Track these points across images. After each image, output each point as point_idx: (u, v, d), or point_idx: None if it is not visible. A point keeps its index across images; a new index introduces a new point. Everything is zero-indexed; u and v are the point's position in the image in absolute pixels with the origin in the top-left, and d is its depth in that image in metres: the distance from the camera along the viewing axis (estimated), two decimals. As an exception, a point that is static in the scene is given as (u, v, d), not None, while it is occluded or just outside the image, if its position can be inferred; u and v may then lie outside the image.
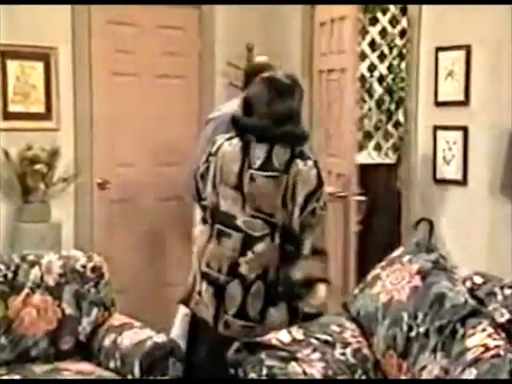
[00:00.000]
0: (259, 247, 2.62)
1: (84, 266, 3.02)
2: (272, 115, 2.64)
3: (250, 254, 2.63)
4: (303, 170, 2.62)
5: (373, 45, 5.49)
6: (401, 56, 5.46)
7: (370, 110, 5.53)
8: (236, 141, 2.71)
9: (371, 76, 5.51)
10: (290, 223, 2.63)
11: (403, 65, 5.33)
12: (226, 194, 2.68)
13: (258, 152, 2.65)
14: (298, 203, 2.61)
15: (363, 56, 5.44)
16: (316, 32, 4.19)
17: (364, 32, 5.41)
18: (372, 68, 5.51)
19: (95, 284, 3.01)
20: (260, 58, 3.86)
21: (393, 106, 5.58)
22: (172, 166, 4.26)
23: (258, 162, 2.64)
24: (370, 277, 2.72)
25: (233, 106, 3.27)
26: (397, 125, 5.57)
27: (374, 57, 5.50)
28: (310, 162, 2.65)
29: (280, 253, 2.64)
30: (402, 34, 5.38)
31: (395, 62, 5.54)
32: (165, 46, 4.27)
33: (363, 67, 5.45)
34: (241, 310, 2.62)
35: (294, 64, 4.32)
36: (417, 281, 2.54)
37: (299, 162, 2.63)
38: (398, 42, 5.51)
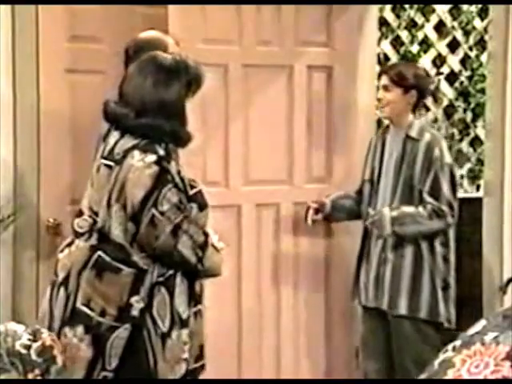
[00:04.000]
0: (73, 246, 3.15)
1: (27, 347, 3.03)
2: (136, 104, 3.12)
3: (65, 251, 3.18)
4: (136, 165, 3.02)
5: (441, 28, 5.57)
6: (481, 44, 5.54)
7: (435, 121, 5.59)
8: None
9: (438, 73, 5.59)
10: (109, 228, 3.07)
11: (484, 57, 5.40)
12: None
13: (111, 140, 3.16)
14: (128, 208, 3.04)
15: (427, 44, 5.52)
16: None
17: (429, 11, 5.50)
18: (439, 61, 5.59)
19: (43, 373, 3.03)
20: (148, 33, 3.93)
21: (469, 116, 5.64)
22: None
23: (106, 150, 3.16)
24: (437, 363, 2.75)
25: None
26: (475, 143, 5.62)
27: (442, 45, 5.58)
28: (150, 158, 3.01)
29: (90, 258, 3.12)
30: (483, 12, 5.47)
31: (473, 54, 5.61)
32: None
33: (426, 60, 5.53)
34: None
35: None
36: (506, 371, 2.56)
37: (136, 155, 3.03)
38: (478, 23, 5.59)
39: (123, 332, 3.08)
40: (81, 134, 4.24)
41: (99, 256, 3.10)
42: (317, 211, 4.27)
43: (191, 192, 3.12)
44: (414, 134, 4.04)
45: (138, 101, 3.10)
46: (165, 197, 3.01)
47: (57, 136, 4.20)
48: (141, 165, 3.01)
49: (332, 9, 4.52)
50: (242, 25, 4.33)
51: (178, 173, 3.09)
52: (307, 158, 4.49)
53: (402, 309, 3.99)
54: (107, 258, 3.10)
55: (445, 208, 3.93)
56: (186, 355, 3.15)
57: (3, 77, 4.05)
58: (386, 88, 4.06)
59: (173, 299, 3.10)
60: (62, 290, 3.18)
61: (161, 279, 3.10)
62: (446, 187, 3.95)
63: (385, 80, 4.08)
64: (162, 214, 3.01)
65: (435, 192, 3.94)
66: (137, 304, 3.08)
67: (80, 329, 3.13)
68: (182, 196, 3.06)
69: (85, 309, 3.12)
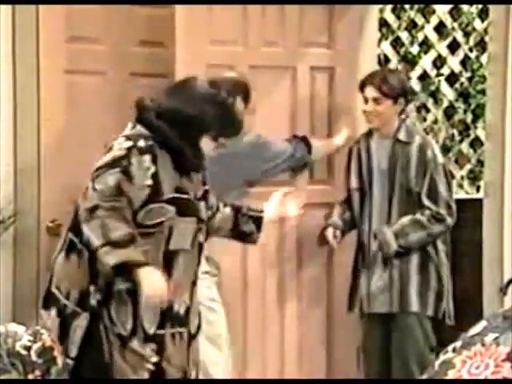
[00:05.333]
0: None
1: (28, 348, 3.03)
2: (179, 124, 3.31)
3: None
4: (113, 146, 3.28)
5: (441, 29, 5.57)
6: (481, 45, 5.54)
7: (435, 122, 5.59)
8: None
9: (438, 74, 5.59)
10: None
11: (484, 58, 5.40)
12: None
13: None
14: None
15: (427, 46, 5.52)
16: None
17: (429, 11, 5.50)
18: (439, 62, 5.59)
19: (43, 373, 3.03)
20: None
21: (469, 117, 5.64)
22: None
23: None
24: (437, 364, 2.75)
25: None
26: (475, 144, 5.62)
27: (442, 46, 5.59)
28: (126, 144, 3.21)
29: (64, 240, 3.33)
30: (483, 13, 5.47)
31: (473, 55, 5.61)
32: (138, 34, 4.37)
33: (426, 61, 5.53)
34: None
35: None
36: (506, 372, 2.56)
37: (120, 140, 3.30)
38: (478, 24, 5.59)
39: (83, 320, 3.19)
40: (81, 134, 4.24)
41: (69, 238, 3.23)
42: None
43: (169, 195, 3.20)
44: (403, 137, 4.07)
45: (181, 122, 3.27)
46: (104, 177, 3.12)
47: (57, 137, 4.21)
48: (116, 147, 3.21)
49: (334, 9, 4.53)
50: (247, 26, 4.33)
51: (154, 175, 3.19)
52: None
53: (414, 306, 4.05)
54: (75, 240, 3.20)
55: (443, 211, 3.98)
56: (150, 366, 3.21)
57: (3, 77, 4.07)
58: (375, 101, 4.07)
59: (136, 311, 3.18)
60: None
61: (122, 286, 3.16)
62: (442, 188, 3.99)
63: (373, 92, 4.07)
64: (94, 190, 3.12)
65: (433, 194, 3.98)
66: (94, 293, 3.18)
67: (53, 312, 3.25)
68: (128, 187, 3.14)
69: (56, 291, 3.24)
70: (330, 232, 4.25)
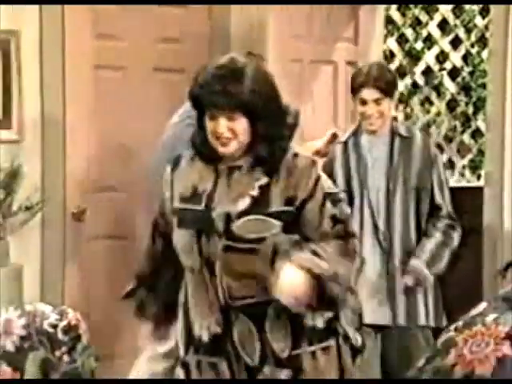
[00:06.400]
0: None
1: (54, 326, 3.04)
2: None
3: None
4: None
5: (444, 26, 5.55)
6: (482, 41, 5.51)
7: (438, 114, 5.57)
8: None
9: (441, 69, 5.57)
10: None
11: (485, 53, 5.38)
12: None
13: None
14: None
15: (430, 42, 5.50)
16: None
17: (433, 9, 5.48)
18: (442, 58, 5.57)
19: (69, 350, 3.04)
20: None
21: (471, 109, 5.62)
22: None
23: None
24: (440, 342, 2.75)
25: None
26: (476, 134, 5.61)
27: (444, 42, 5.57)
28: None
29: None
30: (484, 10, 5.44)
31: (474, 50, 5.59)
32: (161, 31, 4.36)
33: (430, 56, 5.51)
34: None
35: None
36: (506, 349, 2.56)
37: None
38: (479, 21, 5.57)
39: None
40: (105, 126, 4.25)
41: None
42: None
43: (177, 204, 2.61)
44: (404, 132, 3.66)
45: None
46: None
47: (82, 128, 4.21)
48: None
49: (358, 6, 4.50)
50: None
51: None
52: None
53: (421, 319, 3.62)
54: None
55: (452, 214, 3.68)
56: None
57: (31, 72, 4.05)
58: (376, 101, 3.58)
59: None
60: None
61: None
62: (446, 184, 3.68)
63: (373, 94, 3.57)
64: None
65: (443, 191, 3.64)
66: None
67: None
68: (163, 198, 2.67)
69: None
70: None
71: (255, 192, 2.51)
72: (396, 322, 3.59)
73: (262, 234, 2.48)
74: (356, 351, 2.76)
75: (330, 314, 2.61)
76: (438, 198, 3.64)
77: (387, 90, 3.58)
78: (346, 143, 3.69)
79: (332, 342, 2.64)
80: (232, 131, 2.48)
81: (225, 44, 4.46)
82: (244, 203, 2.50)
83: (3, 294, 3.66)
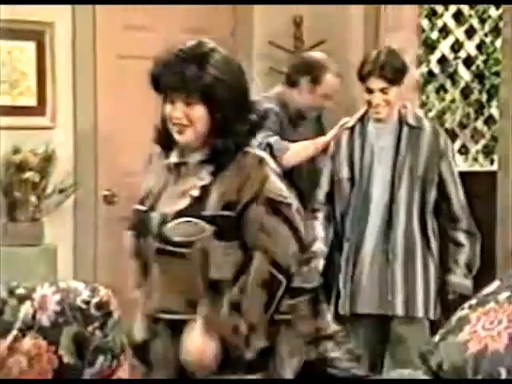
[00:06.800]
0: None
1: (87, 302, 3.04)
2: None
3: None
4: None
5: (458, 16, 5.51)
6: (496, 31, 5.47)
7: (453, 101, 5.54)
8: None
9: (456, 57, 5.52)
10: None
11: (498, 42, 5.33)
12: None
13: None
14: None
15: (445, 31, 5.46)
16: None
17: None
18: (457, 47, 5.53)
19: (101, 325, 3.04)
20: (315, 54, 3.89)
21: (484, 97, 5.58)
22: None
23: None
24: (454, 319, 2.74)
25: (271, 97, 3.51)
26: (489, 121, 5.56)
27: (459, 32, 5.52)
28: None
29: None
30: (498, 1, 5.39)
31: (488, 39, 5.54)
32: (187, 21, 4.36)
33: (445, 46, 5.47)
34: None
35: (352, 41, 4.36)
36: (518, 326, 2.54)
37: None
38: (493, 12, 5.51)
39: None
40: (134, 113, 4.26)
41: None
42: None
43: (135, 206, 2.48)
44: (412, 121, 3.43)
45: None
46: None
47: (112, 115, 4.23)
48: None
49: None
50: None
51: None
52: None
53: (419, 311, 3.44)
54: None
55: (465, 206, 3.47)
56: None
57: (64, 62, 4.07)
58: (383, 91, 3.36)
59: None
60: None
61: None
62: (457, 176, 3.46)
63: (380, 83, 3.35)
64: None
65: (453, 182, 3.44)
66: None
67: None
68: None
69: None
70: None
71: (196, 192, 2.27)
72: (394, 313, 3.41)
73: (190, 238, 2.23)
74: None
75: (261, 345, 2.27)
76: (450, 189, 3.43)
77: (394, 78, 3.36)
78: (352, 129, 3.48)
79: (259, 376, 2.30)
80: (188, 118, 2.28)
81: (248, 34, 4.46)
82: (183, 203, 2.28)
83: (38, 272, 3.69)
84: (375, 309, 3.40)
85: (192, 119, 2.28)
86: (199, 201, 2.26)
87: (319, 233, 3.50)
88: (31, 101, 3.97)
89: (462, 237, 3.46)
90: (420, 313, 3.41)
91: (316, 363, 2.38)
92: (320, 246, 3.49)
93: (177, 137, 2.31)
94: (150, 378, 2.70)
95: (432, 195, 3.41)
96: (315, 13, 4.43)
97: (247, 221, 2.23)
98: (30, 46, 3.95)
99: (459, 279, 3.42)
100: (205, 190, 2.27)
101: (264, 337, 2.26)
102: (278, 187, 2.29)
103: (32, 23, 3.93)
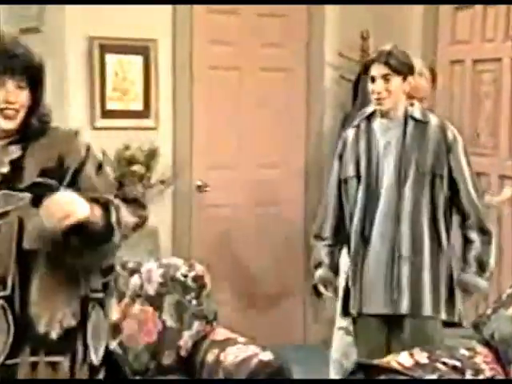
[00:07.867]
0: None
1: (185, 276, 3.13)
2: None
3: None
4: None
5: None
6: None
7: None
8: None
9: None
10: None
11: None
12: None
13: None
14: None
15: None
16: (444, 16, 4.21)
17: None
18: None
19: (197, 295, 3.14)
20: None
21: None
22: (275, 169, 4.40)
23: None
24: (505, 295, 2.73)
25: None
26: None
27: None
28: None
29: None
30: None
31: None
32: (266, 37, 4.39)
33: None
34: None
35: (414, 53, 4.33)
36: None
37: None
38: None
39: None
40: (223, 116, 4.31)
41: None
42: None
43: None
44: (418, 115, 2.96)
45: None
46: None
47: (205, 118, 4.30)
48: None
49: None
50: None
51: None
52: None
53: (427, 310, 2.92)
54: None
55: (477, 208, 2.96)
56: None
57: (165, 73, 4.17)
58: (385, 78, 2.91)
59: None
60: None
61: None
62: (467, 168, 2.96)
63: (382, 69, 2.92)
64: None
65: (459, 175, 2.94)
66: None
67: None
68: None
69: None
70: (322, 289, 3.13)
71: (6, 168, 2.00)
72: (400, 312, 2.92)
73: (4, 208, 1.96)
74: (94, 369, 2.06)
75: (72, 323, 1.98)
76: (459, 183, 2.94)
77: (397, 67, 2.91)
78: (358, 127, 3.03)
79: (62, 359, 1.96)
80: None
81: (320, 46, 4.47)
82: None
83: (144, 250, 3.79)
84: (382, 308, 2.94)
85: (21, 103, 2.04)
86: (13, 174, 2.01)
87: (324, 259, 3.10)
88: (138, 105, 4.08)
89: (471, 233, 2.95)
90: (427, 312, 2.91)
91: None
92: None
93: (3, 123, 2.02)
94: (151, 379, 2.71)
95: (442, 191, 2.94)
96: (380, 29, 4.43)
97: (81, 183, 2.02)
98: (138, 60, 4.05)
99: (469, 277, 2.92)
100: (16, 164, 2.03)
101: (73, 316, 2.00)
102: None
103: (140, 40, 4.03)
